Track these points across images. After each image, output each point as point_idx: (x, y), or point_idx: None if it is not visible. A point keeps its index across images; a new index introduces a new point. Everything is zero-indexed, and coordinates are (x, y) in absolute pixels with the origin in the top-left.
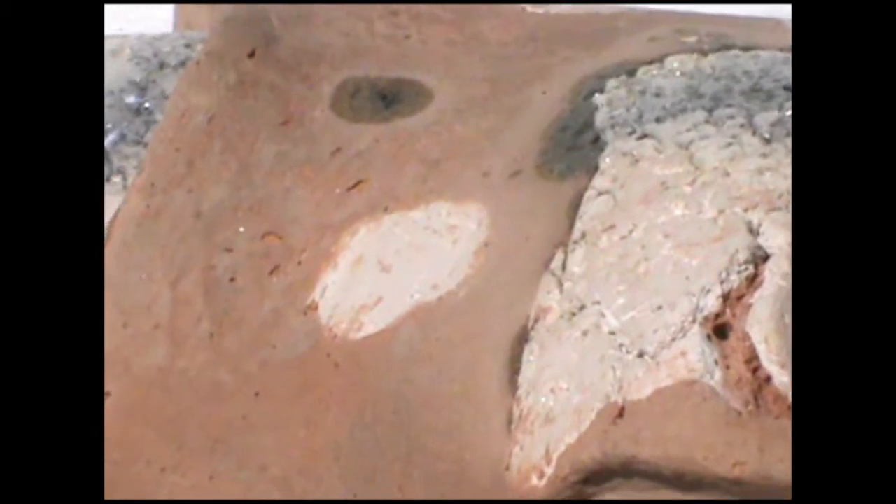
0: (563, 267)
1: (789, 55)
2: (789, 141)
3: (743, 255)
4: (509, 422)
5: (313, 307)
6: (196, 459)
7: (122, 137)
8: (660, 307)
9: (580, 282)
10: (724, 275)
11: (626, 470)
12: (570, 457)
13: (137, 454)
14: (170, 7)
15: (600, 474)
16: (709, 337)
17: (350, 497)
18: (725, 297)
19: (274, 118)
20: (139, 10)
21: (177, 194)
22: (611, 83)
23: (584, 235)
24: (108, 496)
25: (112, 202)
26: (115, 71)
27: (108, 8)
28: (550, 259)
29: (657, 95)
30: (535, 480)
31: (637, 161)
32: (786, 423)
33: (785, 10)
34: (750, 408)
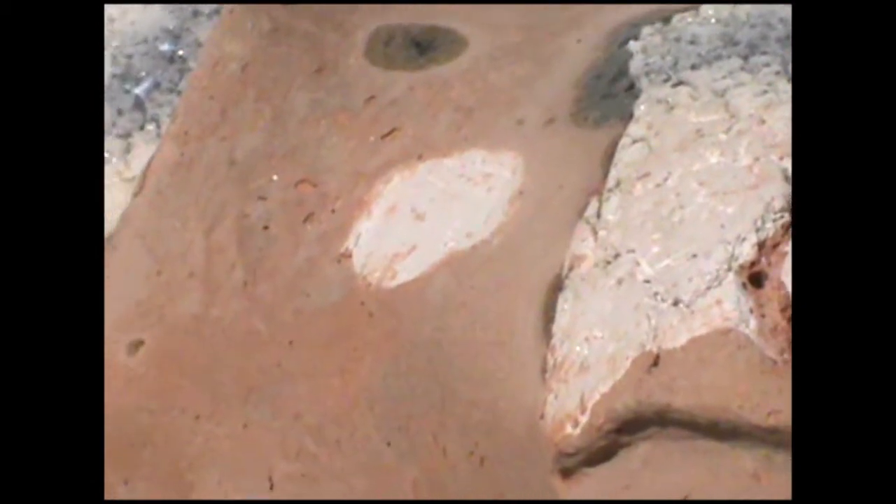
0: (598, 215)
1: None
2: None
3: (778, 203)
4: (544, 370)
5: (347, 255)
6: (230, 408)
7: (156, 85)
8: (695, 255)
9: (615, 230)
10: (759, 223)
11: (661, 419)
12: (605, 405)
13: (172, 402)
14: None
15: (635, 423)
16: (744, 285)
17: (385, 444)
18: (761, 245)
19: (308, 66)
20: None
21: (210, 142)
22: (646, 30)
23: (618, 183)
24: (143, 445)
25: (146, 150)
26: (150, 19)
27: None
28: (585, 207)
29: (692, 43)
30: (569, 429)
31: (672, 108)
32: None
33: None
34: (785, 356)
